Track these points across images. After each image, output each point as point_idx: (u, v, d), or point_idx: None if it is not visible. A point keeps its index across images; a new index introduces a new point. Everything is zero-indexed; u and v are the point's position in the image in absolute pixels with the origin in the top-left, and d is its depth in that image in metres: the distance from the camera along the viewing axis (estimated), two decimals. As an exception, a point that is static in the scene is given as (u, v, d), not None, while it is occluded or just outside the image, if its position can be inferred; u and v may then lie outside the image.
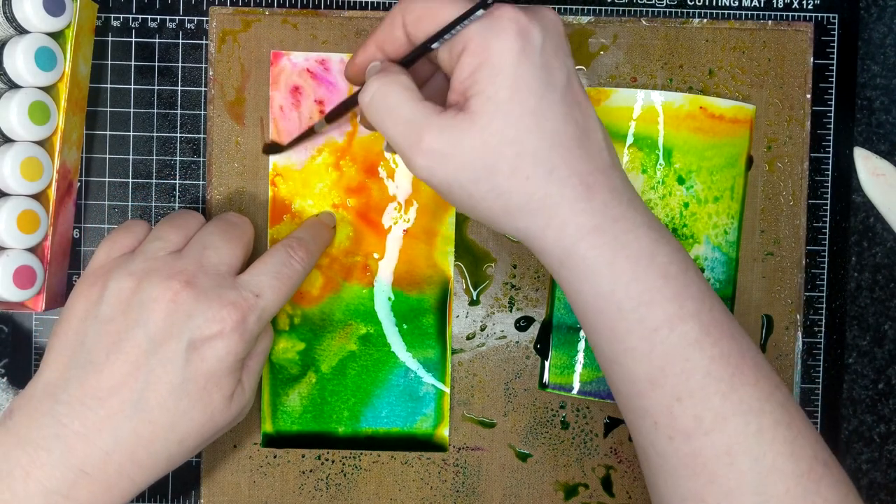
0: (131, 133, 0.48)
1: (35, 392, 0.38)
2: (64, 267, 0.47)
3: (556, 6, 0.48)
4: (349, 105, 0.42)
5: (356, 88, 0.42)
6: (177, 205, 0.48)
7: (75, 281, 0.48)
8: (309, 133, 0.46)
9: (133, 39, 0.48)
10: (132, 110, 0.48)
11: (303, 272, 0.42)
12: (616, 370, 0.36)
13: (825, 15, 0.49)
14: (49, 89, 0.44)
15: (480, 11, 0.34)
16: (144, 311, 0.38)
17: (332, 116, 0.43)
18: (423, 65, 0.39)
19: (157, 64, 0.48)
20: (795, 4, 0.49)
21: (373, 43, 0.38)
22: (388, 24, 0.37)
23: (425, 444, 0.48)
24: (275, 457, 0.48)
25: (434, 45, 0.36)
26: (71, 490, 0.37)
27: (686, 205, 0.47)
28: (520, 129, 0.34)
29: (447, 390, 0.48)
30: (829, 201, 0.49)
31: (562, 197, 0.35)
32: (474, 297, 0.48)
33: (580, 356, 0.48)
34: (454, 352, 0.48)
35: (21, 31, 0.43)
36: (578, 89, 0.36)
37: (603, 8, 0.48)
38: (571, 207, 0.35)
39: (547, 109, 0.34)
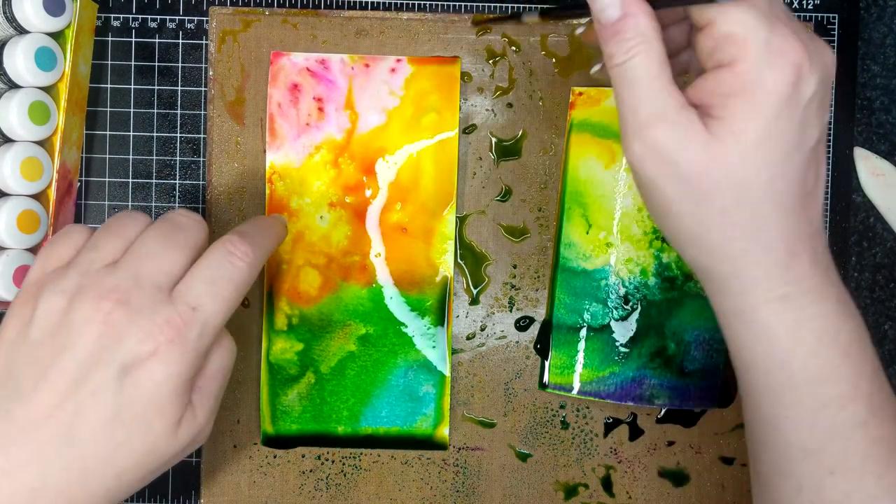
0: (131, 133, 0.48)
1: None
2: (64, 267, 0.47)
3: (558, 6, 0.48)
4: (572, 13, 0.38)
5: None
6: (177, 205, 0.48)
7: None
8: (515, 16, 0.40)
9: (133, 39, 0.48)
10: (132, 110, 0.48)
11: (248, 269, 0.38)
12: (769, 432, 0.35)
13: (825, 15, 0.49)
14: (49, 89, 0.44)
15: None
16: (72, 334, 0.35)
17: (548, 15, 0.38)
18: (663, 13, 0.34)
19: (157, 64, 0.48)
20: (795, 4, 0.49)
21: None
22: None
23: (425, 443, 0.48)
24: (275, 457, 0.48)
25: None
26: None
27: (686, 205, 0.47)
28: (751, 177, 0.32)
29: (447, 390, 0.48)
30: (829, 201, 0.49)
31: (760, 258, 0.33)
32: (474, 297, 0.48)
33: (580, 356, 0.48)
34: (454, 352, 0.48)
35: (21, 31, 0.43)
36: (822, 148, 0.33)
37: (603, 8, 0.48)
38: (766, 271, 0.33)
39: (786, 168, 0.32)
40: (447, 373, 0.48)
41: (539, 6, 0.39)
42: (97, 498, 0.35)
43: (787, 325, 0.33)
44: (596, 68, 0.40)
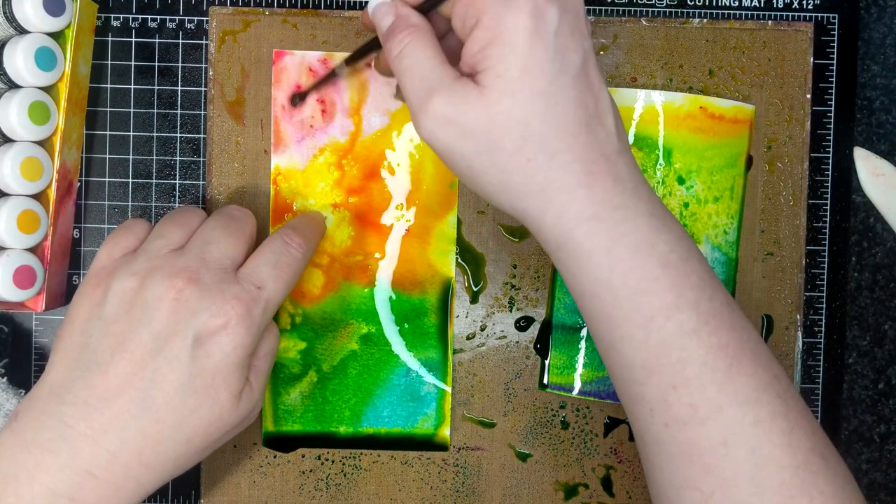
0: (131, 133, 0.48)
1: (41, 394, 0.38)
2: (64, 267, 0.47)
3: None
4: (369, 49, 0.42)
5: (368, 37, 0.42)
6: (177, 205, 0.48)
7: (75, 281, 0.48)
8: (330, 76, 0.46)
9: (133, 39, 0.48)
10: (132, 110, 0.48)
11: (302, 259, 0.42)
12: (613, 356, 0.36)
13: (825, 15, 0.49)
14: (49, 89, 0.44)
15: None
16: (148, 309, 0.38)
17: (352, 60, 0.44)
18: (439, 19, 0.38)
19: (157, 64, 0.48)
20: (795, 4, 0.49)
21: None
22: None
23: (427, 443, 0.48)
24: (275, 457, 0.48)
25: None
26: (77, 492, 0.36)
27: (686, 205, 0.47)
28: (527, 110, 0.34)
29: (449, 390, 0.48)
30: (829, 201, 0.49)
31: (562, 182, 0.35)
32: (474, 297, 0.48)
33: (580, 356, 0.48)
34: (454, 352, 0.48)
35: (21, 31, 0.43)
36: (593, 72, 0.36)
37: (603, 8, 0.48)
38: (570, 194, 0.35)
39: (556, 93, 0.34)
40: (449, 373, 0.48)
41: (346, 58, 0.45)
42: (167, 463, 0.38)
43: (603, 243, 0.35)
44: (394, 91, 0.46)
